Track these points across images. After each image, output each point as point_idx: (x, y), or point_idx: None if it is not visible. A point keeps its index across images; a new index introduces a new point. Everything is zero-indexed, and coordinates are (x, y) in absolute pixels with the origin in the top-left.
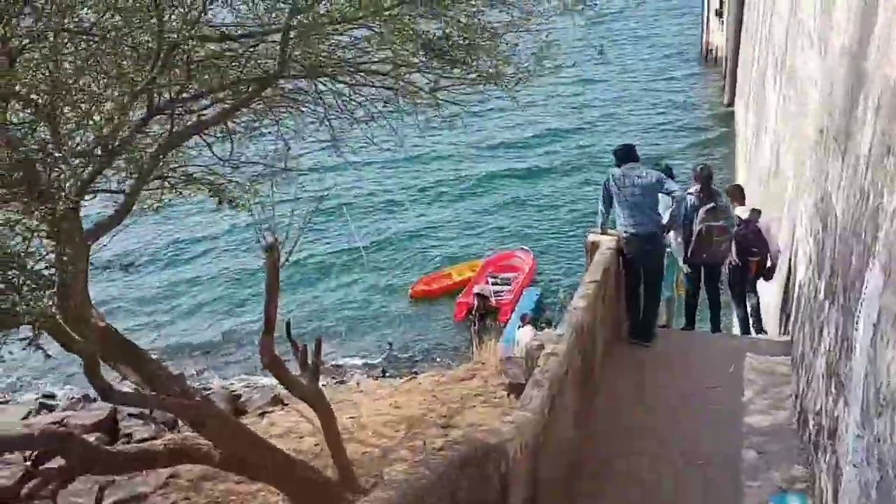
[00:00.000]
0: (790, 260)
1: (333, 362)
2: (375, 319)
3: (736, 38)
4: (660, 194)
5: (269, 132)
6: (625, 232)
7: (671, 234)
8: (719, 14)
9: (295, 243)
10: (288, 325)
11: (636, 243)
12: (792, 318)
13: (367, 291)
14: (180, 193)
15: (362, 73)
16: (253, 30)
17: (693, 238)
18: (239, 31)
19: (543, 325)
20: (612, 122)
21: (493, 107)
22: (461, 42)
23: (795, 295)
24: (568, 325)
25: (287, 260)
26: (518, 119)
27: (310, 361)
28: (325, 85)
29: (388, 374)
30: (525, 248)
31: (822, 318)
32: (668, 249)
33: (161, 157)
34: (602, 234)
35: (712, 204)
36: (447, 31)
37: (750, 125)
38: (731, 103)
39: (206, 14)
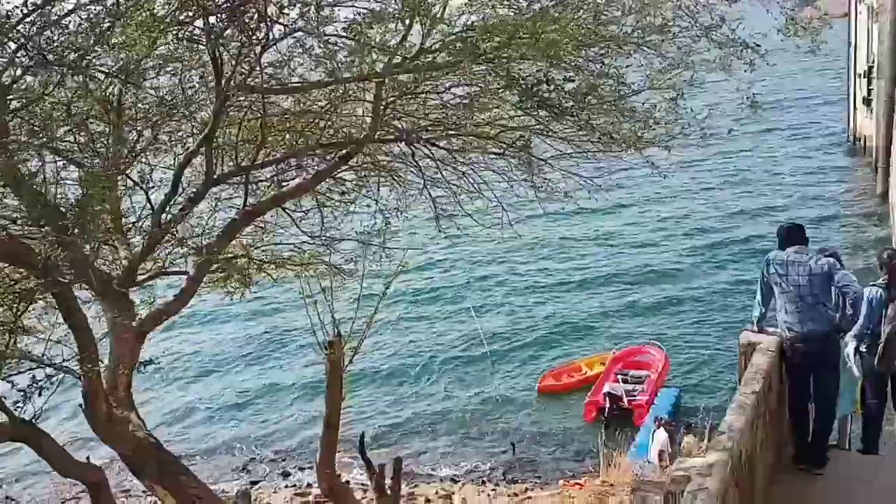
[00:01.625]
0: None
1: (436, 471)
2: (498, 417)
3: (889, 125)
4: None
5: (367, 206)
6: (789, 331)
7: (848, 337)
8: (867, 102)
9: (362, 340)
10: (362, 439)
11: (803, 346)
12: None
13: (489, 386)
14: (268, 273)
15: (465, 136)
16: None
17: (883, 341)
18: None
19: (684, 430)
20: (757, 211)
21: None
22: (571, 89)
23: None
24: (721, 450)
25: (352, 359)
26: (657, 205)
27: (387, 485)
28: (423, 150)
29: (509, 479)
30: (657, 343)
31: None
32: (845, 355)
33: (233, 232)
34: (759, 332)
35: None
36: (548, 73)
37: None
38: (884, 193)
39: (268, 52)
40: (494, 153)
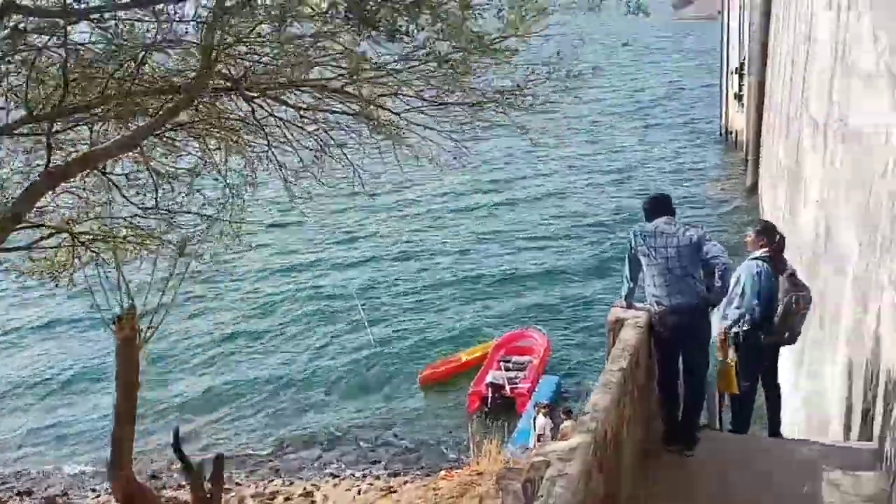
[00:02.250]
0: (873, 341)
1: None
2: (378, 411)
3: (758, 119)
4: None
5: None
6: (657, 304)
7: (718, 313)
8: (738, 98)
9: (162, 316)
10: (176, 433)
11: (673, 319)
12: (880, 417)
13: (370, 379)
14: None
15: (312, 90)
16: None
17: (780, 314)
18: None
19: (562, 416)
20: (633, 203)
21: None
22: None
23: (882, 385)
24: (584, 432)
25: (150, 335)
26: (532, 191)
27: (205, 485)
28: (264, 107)
29: (390, 472)
30: (538, 327)
31: None
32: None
33: (34, 196)
34: (628, 307)
35: (792, 269)
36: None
37: (779, 205)
38: (754, 185)
39: None
40: (348, 113)
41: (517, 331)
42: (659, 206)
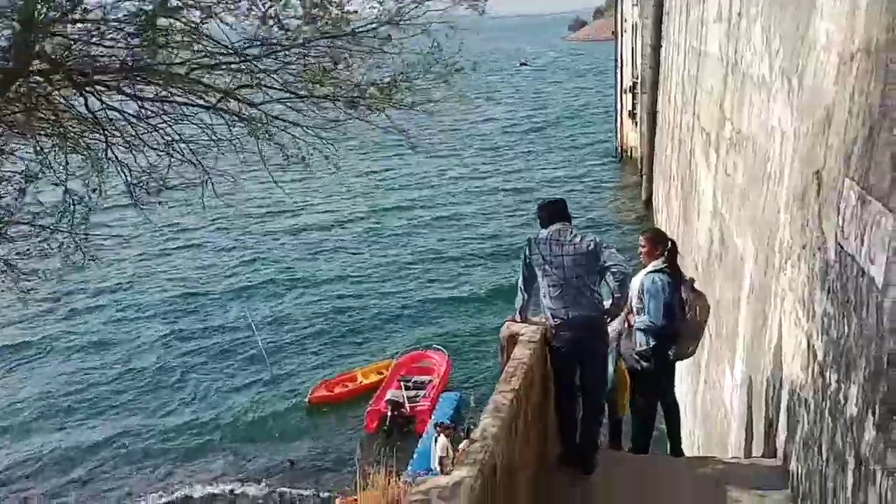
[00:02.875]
0: (772, 351)
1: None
2: (271, 433)
3: (651, 135)
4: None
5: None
6: (553, 318)
7: (614, 323)
8: (632, 115)
9: None
10: None
11: (569, 333)
12: (784, 433)
13: (260, 398)
14: None
15: (155, 77)
16: None
17: (685, 327)
18: None
19: (462, 434)
20: (530, 207)
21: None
22: None
23: (785, 399)
24: (469, 464)
25: None
26: (422, 193)
27: None
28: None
29: (287, 499)
30: (438, 347)
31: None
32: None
33: None
34: (522, 321)
35: (690, 278)
36: None
37: (673, 217)
38: (648, 199)
39: None
40: (201, 105)
41: (417, 351)
42: (554, 212)
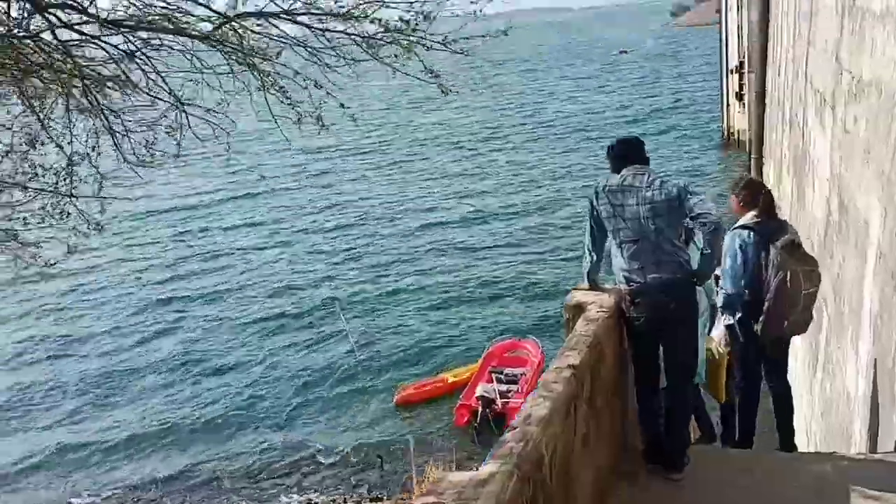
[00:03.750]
0: None
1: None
2: (360, 429)
3: (759, 116)
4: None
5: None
6: (627, 282)
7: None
8: (739, 97)
9: None
10: None
11: (647, 301)
12: None
13: (348, 396)
14: None
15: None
16: None
17: (771, 297)
18: None
19: None
20: None
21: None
22: None
23: None
24: (501, 457)
25: None
26: (515, 180)
27: None
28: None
29: (373, 497)
30: (532, 337)
31: None
32: (703, 311)
33: None
34: (591, 288)
35: (789, 237)
36: None
37: (786, 196)
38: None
39: None
40: (192, 36)
41: (509, 341)
42: (626, 152)
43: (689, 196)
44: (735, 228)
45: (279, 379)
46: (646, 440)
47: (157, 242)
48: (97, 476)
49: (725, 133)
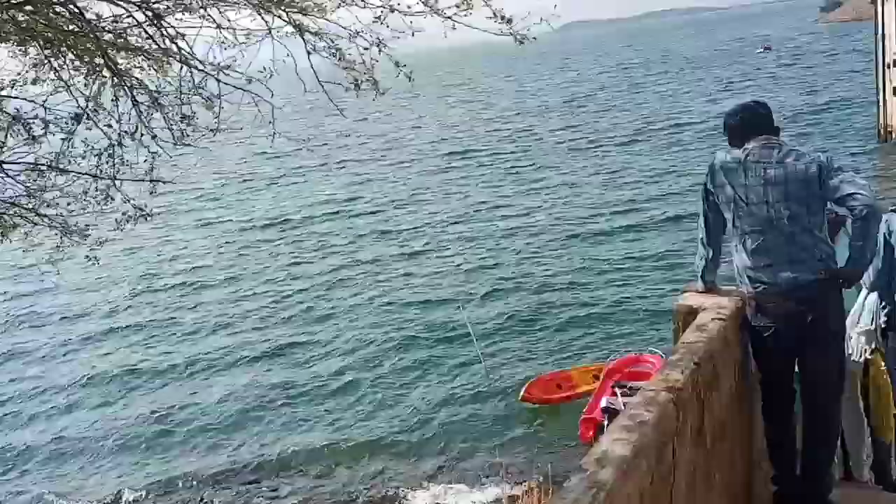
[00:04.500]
0: None
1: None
2: (483, 431)
3: None
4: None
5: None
6: (753, 283)
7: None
8: None
9: None
10: None
11: (779, 308)
12: None
13: (471, 393)
14: None
15: None
16: None
17: None
18: None
19: None
20: None
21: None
22: None
23: None
24: None
25: None
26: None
27: None
28: None
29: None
30: (654, 350)
31: None
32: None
33: None
34: (707, 291)
35: None
36: None
37: None
38: None
39: None
40: None
41: (631, 355)
42: (751, 121)
43: (834, 173)
44: (891, 211)
45: (401, 377)
46: (778, 482)
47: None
48: (166, 464)
49: (882, 130)
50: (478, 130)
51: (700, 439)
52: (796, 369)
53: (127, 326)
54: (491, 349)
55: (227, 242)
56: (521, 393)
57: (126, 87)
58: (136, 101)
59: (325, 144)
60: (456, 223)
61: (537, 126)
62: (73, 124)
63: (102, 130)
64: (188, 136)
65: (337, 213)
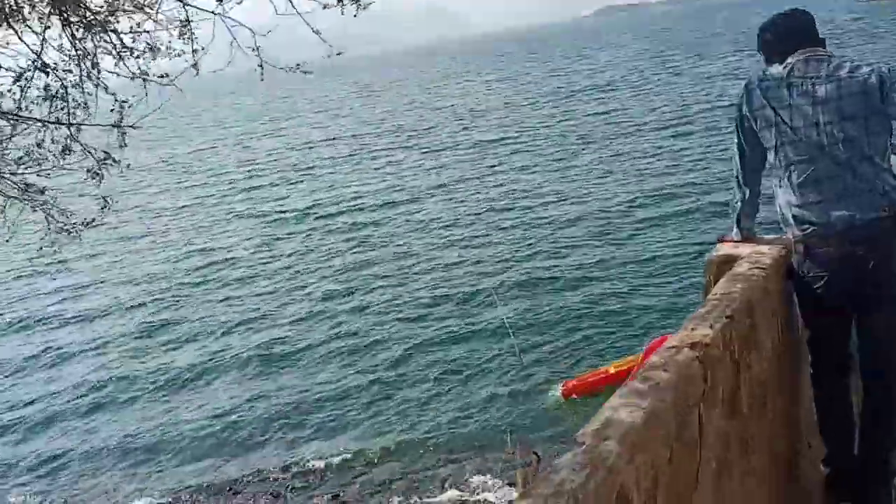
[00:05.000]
0: None
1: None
2: (514, 424)
3: None
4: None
5: None
6: (800, 225)
7: None
8: None
9: None
10: None
11: (832, 252)
12: None
13: (508, 388)
14: None
15: None
16: None
17: None
18: None
19: None
20: None
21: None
22: None
23: None
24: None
25: None
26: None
27: None
28: None
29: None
30: None
31: None
32: None
33: None
34: (742, 240)
35: None
36: None
37: None
38: None
39: None
40: None
41: (671, 334)
42: (794, 29)
43: (892, 80)
44: None
45: (435, 369)
46: (830, 461)
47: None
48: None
49: None
50: (513, 116)
51: (734, 408)
52: (853, 326)
53: (151, 322)
54: (526, 343)
55: (257, 235)
56: (560, 389)
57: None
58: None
59: (355, 135)
60: (490, 211)
61: (576, 108)
62: (29, 68)
63: (55, 74)
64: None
65: (367, 203)
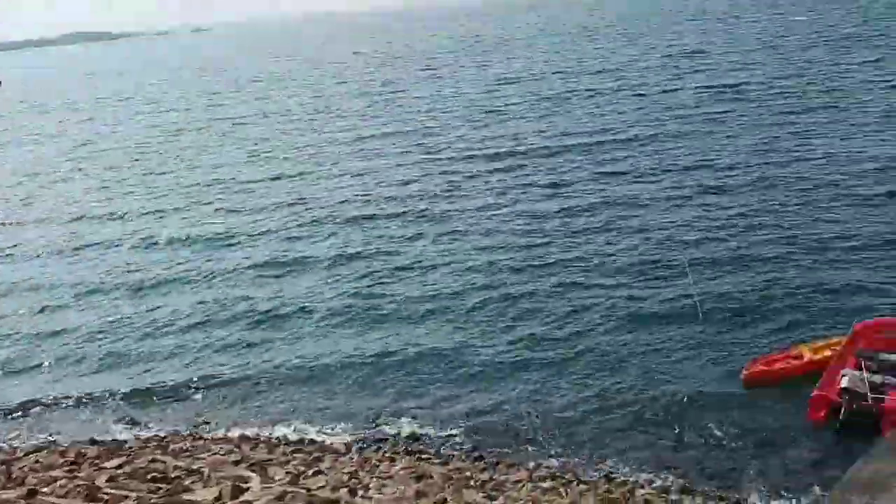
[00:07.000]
0: None
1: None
2: (693, 413)
3: None
4: None
5: None
6: None
7: None
8: None
9: None
10: None
11: None
12: None
13: (691, 371)
14: None
15: None
16: None
17: None
18: None
19: None
20: None
21: None
22: None
23: None
24: None
25: None
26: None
27: None
28: None
29: (703, 490)
30: None
31: None
32: None
33: None
34: None
35: None
36: None
37: None
38: None
39: None
40: None
41: (885, 318)
42: None
43: None
44: None
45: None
46: None
47: None
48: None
49: None
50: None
51: None
52: None
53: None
54: (711, 328)
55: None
56: (744, 373)
57: None
58: None
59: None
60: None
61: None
62: None
63: None
64: None
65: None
